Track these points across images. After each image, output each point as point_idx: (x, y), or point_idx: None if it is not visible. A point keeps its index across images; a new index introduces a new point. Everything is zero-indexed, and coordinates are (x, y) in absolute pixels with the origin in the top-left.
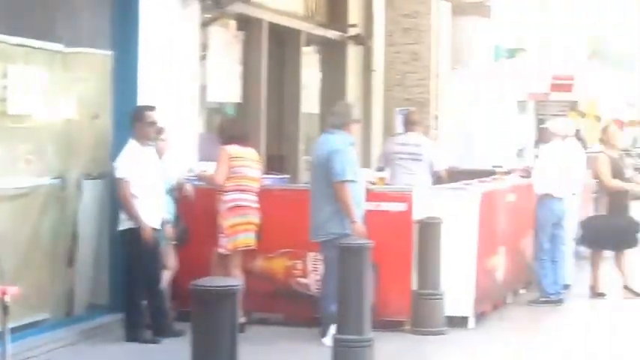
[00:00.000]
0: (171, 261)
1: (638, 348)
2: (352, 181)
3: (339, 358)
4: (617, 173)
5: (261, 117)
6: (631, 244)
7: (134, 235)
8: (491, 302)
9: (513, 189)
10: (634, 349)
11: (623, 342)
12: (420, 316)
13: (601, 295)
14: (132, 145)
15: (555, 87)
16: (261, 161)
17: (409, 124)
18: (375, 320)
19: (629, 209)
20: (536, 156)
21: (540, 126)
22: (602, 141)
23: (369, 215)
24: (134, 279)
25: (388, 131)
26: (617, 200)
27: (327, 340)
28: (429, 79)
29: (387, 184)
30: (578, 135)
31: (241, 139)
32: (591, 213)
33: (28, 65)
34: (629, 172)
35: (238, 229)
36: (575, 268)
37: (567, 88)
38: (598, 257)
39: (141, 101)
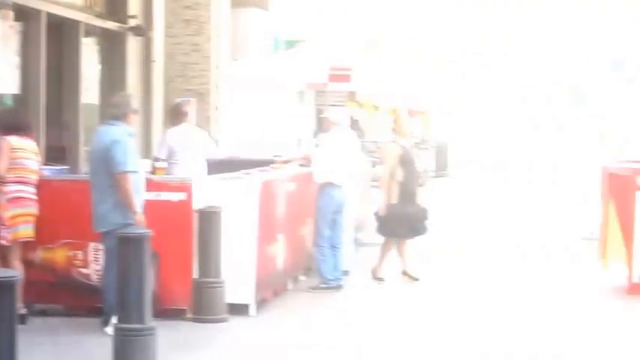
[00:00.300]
0: None
1: (414, 330)
2: (133, 171)
3: (121, 347)
4: (407, 162)
5: (40, 108)
6: (422, 231)
7: None
8: (272, 289)
9: (293, 178)
10: (411, 332)
11: (401, 326)
12: (202, 304)
13: (380, 280)
14: None
15: (333, 77)
16: (40, 153)
17: (181, 115)
18: (157, 309)
19: (417, 197)
20: (316, 145)
21: (320, 116)
22: (393, 130)
23: (150, 205)
24: None
25: (169, 122)
26: (406, 189)
27: (109, 330)
28: (209, 70)
29: (166, 175)
30: (356, 124)
31: (20, 130)
32: (376, 201)
33: None
34: (417, 162)
35: (19, 220)
36: (355, 254)
37: (345, 78)
38: (389, 245)
39: None
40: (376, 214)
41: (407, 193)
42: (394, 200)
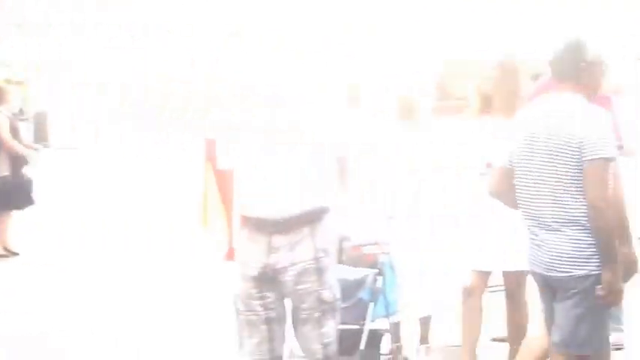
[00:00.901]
0: None
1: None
2: None
3: None
4: (15, 132)
5: None
6: (28, 202)
7: None
8: None
9: None
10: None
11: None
12: None
13: (4, 256)
14: None
15: None
16: None
17: None
18: None
19: (24, 167)
20: None
21: None
22: None
23: None
24: None
25: None
26: (17, 160)
27: None
28: None
29: None
30: None
31: None
32: None
33: None
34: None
35: None
36: None
37: None
38: (6, 218)
39: None
40: None
41: (16, 164)
42: (5, 172)
